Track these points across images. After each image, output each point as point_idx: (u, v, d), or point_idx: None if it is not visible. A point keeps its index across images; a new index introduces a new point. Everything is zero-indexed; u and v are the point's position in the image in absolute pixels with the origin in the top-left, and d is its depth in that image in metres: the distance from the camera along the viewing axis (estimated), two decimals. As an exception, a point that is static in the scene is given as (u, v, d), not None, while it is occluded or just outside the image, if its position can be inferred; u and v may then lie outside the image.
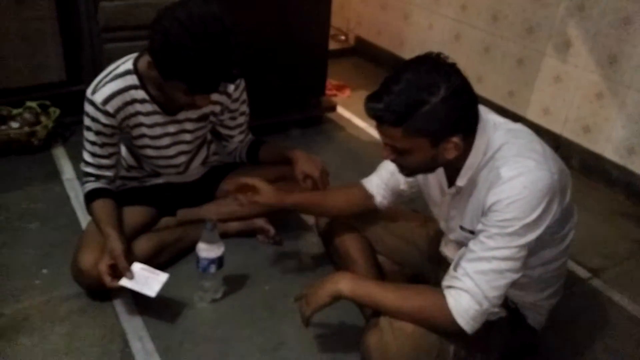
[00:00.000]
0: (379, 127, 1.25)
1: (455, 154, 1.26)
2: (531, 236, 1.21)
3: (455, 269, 1.27)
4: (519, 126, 1.36)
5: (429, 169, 1.36)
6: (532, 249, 1.26)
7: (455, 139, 1.23)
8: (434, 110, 1.18)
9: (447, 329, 1.26)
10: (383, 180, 1.63)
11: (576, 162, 2.75)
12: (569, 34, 2.66)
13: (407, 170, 1.36)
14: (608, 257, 2.17)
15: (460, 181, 1.34)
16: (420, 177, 1.52)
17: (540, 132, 2.86)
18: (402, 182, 1.60)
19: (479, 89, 3.14)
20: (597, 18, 2.52)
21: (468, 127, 1.26)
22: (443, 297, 1.25)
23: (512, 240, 1.21)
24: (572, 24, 2.64)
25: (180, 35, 1.42)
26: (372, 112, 1.22)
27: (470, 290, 1.22)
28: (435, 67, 1.21)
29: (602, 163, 2.65)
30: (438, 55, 1.24)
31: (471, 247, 1.25)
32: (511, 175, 1.21)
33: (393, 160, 1.33)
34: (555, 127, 2.81)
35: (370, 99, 1.23)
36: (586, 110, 2.67)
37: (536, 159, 1.23)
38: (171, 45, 1.44)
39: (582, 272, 2.06)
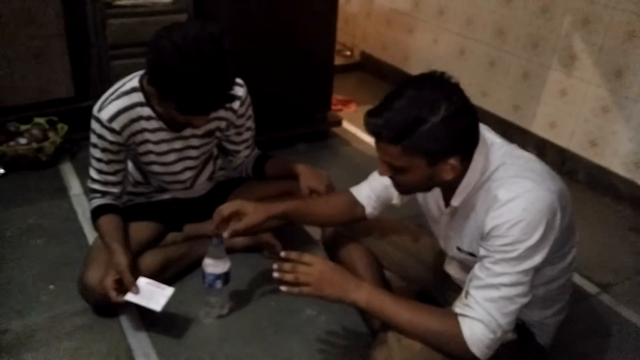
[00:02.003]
0: (377, 144, 1.24)
1: (452, 175, 1.24)
2: (537, 258, 1.19)
3: (466, 296, 1.25)
4: (515, 147, 1.34)
5: (425, 188, 1.34)
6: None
7: (453, 161, 1.21)
8: (434, 129, 1.16)
9: (460, 356, 1.24)
10: (375, 192, 1.60)
11: (583, 176, 2.74)
12: (574, 48, 2.66)
13: (402, 188, 1.34)
14: (616, 272, 2.15)
15: (455, 201, 1.32)
16: (419, 195, 1.51)
17: (546, 146, 2.88)
18: (395, 197, 1.58)
19: (484, 103, 3.18)
20: (603, 32, 2.53)
21: (467, 149, 1.24)
22: (458, 324, 1.22)
23: (517, 264, 1.19)
24: (577, 37, 2.64)
25: (172, 57, 1.42)
26: (371, 128, 1.21)
27: (483, 320, 1.20)
28: (438, 85, 1.19)
29: (609, 177, 2.64)
30: (442, 74, 1.22)
31: (477, 274, 1.23)
32: (509, 198, 1.19)
33: (390, 177, 1.32)
34: (562, 141, 2.81)
35: (370, 114, 1.21)
36: (592, 124, 2.66)
37: (534, 179, 1.21)
38: (163, 66, 1.45)
39: (591, 288, 2.04)
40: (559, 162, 2.83)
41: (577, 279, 2.06)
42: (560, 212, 1.22)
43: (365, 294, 1.30)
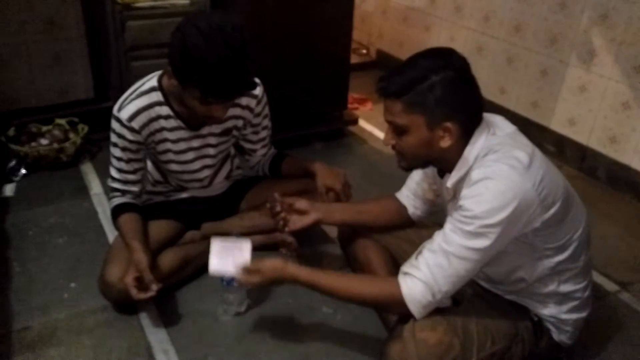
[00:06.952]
0: (384, 104, 1.32)
1: (449, 143, 1.29)
2: (489, 242, 1.22)
3: (416, 257, 1.30)
4: (516, 134, 1.36)
5: (425, 159, 1.37)
6: (524, 257, 1.32)
7: (450, 125, 1.26)
8: (433, 86, 1.24)
9: (400, 312, 1.35)
10: (411, 191, 1.67)
11: (603, 173, 2.71)
12: (593, 44, 2.63)
13: (405, 158, 1.38)
14: (637, 269, 2.12)
15: (449, 182, 1.36)
16: (438, 181, 1.52)
17: (566, 143, 2.85)
18: (427, 189, 1.62)
19: (502, 101, 3.15)
20: (622, 27, 2.49)
21: (466, 119, 1.29)
22: (397, 284, 1.30)
23: (469, 239, 1.23)
24: (596, 33, 2.61)
25: (197, 40, 1.46)
26: (380, 85, 1.30)
27: (427, 282, 1.27)
28: (445, 55, 1.29)
29: (630, 174, 2.60)
30: (450, 49, 1.31)
31: (434, 237, 1.29)
32: (479, 178, 1.24)
33: (393, 147, 1.37)
34: (581, 138, 2.78)
35: (382, 76, 1.31)
36: (612, 120, 2.63)
37: (513, 165, 1.23)
38: (187, 49, 1.48)
39: (610, 286, 2.01)
40: (578, 159, 2.80)
41: (596, 276, 2.03)
42: (537, 205, 1.24)
43: (303, 270, 1.43)
